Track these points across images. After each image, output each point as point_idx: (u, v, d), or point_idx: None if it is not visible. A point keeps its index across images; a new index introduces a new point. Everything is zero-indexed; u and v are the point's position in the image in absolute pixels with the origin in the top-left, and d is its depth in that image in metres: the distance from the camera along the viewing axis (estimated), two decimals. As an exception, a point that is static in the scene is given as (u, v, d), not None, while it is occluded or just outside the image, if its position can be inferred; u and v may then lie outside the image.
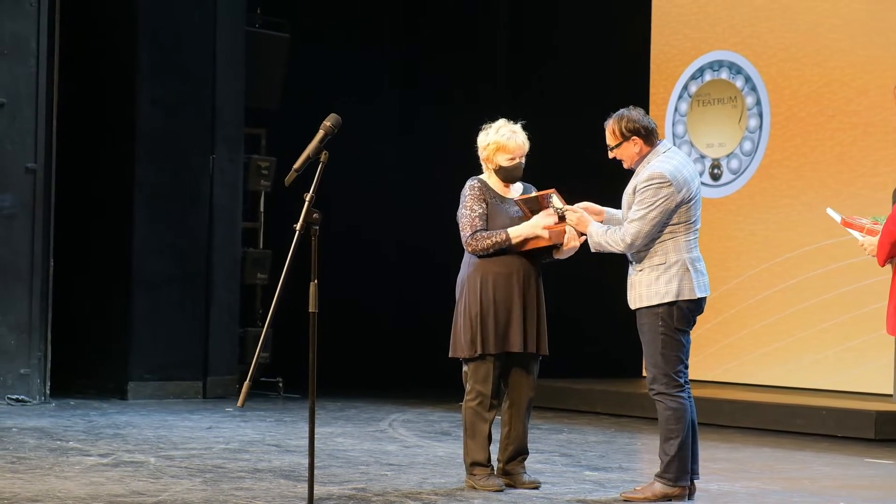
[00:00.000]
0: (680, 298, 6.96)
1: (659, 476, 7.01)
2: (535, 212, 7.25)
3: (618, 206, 7.27)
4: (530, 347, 7.25)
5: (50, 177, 11.52)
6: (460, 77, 14.58)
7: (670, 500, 6.93)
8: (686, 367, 7.09)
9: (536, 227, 7.21)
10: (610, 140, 7.13)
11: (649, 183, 6.96)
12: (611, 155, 7.18)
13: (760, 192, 12.16)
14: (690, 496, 7.04)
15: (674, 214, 6.96)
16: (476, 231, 7.23)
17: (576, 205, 7.28)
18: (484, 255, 7.24)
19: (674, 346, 7.01)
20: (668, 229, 6.97)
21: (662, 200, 6.93)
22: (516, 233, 7.22)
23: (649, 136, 7.08)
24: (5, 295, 11.29)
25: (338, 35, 14.66)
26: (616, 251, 7.06)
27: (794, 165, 11.95)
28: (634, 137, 7.06)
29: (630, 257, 7.10)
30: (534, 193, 7.32)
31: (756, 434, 10.36)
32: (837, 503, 7.16)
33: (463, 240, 7.28)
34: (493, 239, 7.21)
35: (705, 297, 7.07)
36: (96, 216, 12.49)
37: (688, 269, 6.96)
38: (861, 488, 7.90)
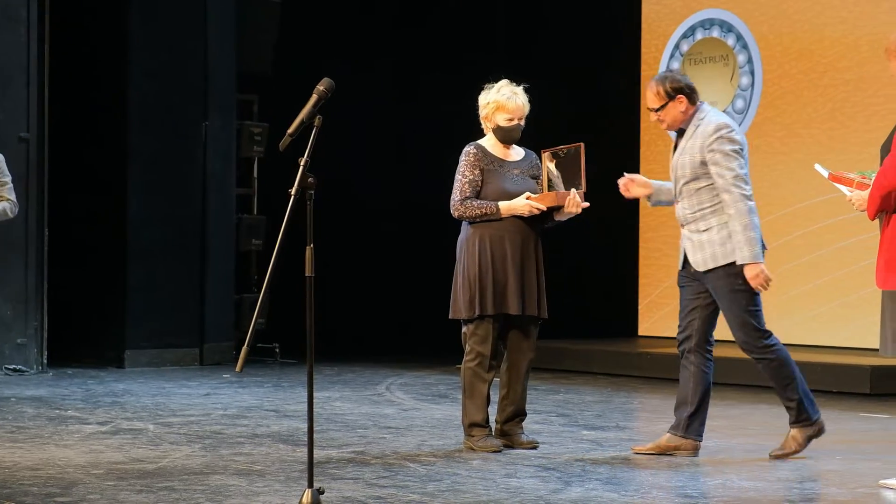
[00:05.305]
0: None
1: (794, 424, 7.01)
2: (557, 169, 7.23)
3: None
4: (529, 310, 7.27)
5: (43, 146, 11.50)
6: (455, 41, 14.55)
7: (816, 439, 7.02)
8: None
9: (526, 205, 7.16)
10: (654, 102, 6.96)
11: (719, 134, 6.82)
12: (653, 118, 7.03)
13: (753, 150, 12.05)
14: (695, 453, 7.05)
15: None
16: (466, 198, 7.23)
17: (624, 177, 7.10)
18: (470, 221, 7.25)
19: (754, 300, 6.87)
20: None
21: (741, 148, 6.86)
22: (506, 206, 7.20)
23: (692, 95, 6.96)
24: (1, 265, 11.28)
25: (329, -1, 14.62)
26: (747, 225, 6.75)
27: (787, 122, 11.95)
28: (680, 96, 6.93)
29: (689, 217, 6.90)
30: (564, 147, 7.27)
31: (752, 391, 10.38)
32: (834, 458, 7.19)
33: (451, 203, 7.27)
34: (483, 209, 7.20)
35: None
36: (90, 185, 12.47)
37: None
38: (857, 442, 7.93)
